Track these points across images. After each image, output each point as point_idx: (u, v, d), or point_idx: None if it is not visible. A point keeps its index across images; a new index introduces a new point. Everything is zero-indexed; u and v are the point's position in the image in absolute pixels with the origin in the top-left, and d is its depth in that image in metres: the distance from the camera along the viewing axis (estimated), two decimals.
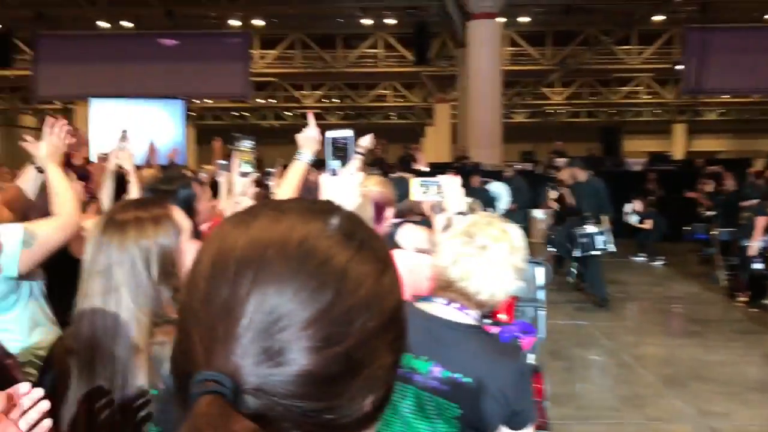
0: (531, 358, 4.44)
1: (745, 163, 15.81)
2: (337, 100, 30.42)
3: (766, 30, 18.07)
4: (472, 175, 11.25)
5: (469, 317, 1.75)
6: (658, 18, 19.10)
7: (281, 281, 0.55)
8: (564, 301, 8.65)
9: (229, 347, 0.54)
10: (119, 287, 1.50)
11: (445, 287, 1.75)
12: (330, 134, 1.74)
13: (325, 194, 1.67)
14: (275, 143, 31.50)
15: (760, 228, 8.16)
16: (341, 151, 1.71)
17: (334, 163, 1.70)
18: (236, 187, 2.68)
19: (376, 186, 2.67)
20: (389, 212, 2.70)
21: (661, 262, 11.30)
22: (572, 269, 9.25)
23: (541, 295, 4.81)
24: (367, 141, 4.13)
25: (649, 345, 6.88)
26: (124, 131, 3.76)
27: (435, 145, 26.05)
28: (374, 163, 13.20)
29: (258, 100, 29.21)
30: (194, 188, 2.65)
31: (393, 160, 15.26)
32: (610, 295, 8.49)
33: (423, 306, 1.79)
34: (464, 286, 1.71)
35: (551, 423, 4.45)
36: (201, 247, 0.62)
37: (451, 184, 2.51)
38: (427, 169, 13.67)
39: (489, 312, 4.46)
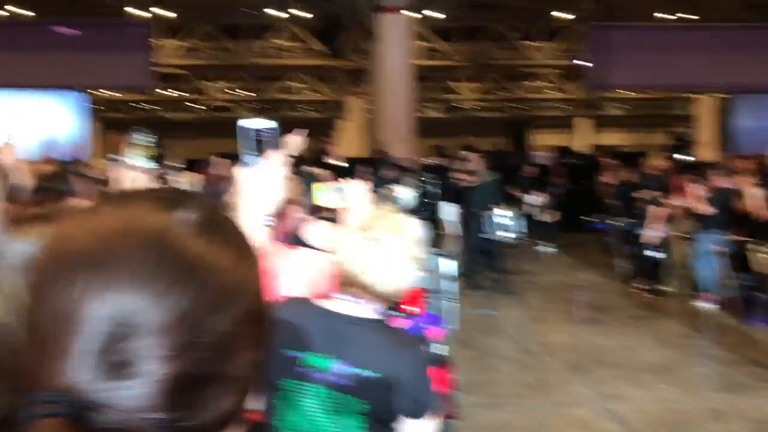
0: (440, 349, 4.50)
1: (642, 155, 16.59)
2: (245, 93, 29.86)
3: (663, 28, 19.02)
4: (385, 170, 11.30)
5: (371, 311, 1.76)
6: (562, 15, 19.74)
7: (124, 281, 0.49)
8: (473, 292, 8.83)
9: (68, 362, 0.47)
10: None
11: (346, 283, 1.75)
12: (248, 124, 1.64)
13: (243, 191, 1.60)
14: (184, 137, 30.74)
15: (653, 217, 8.57)
16: (263, 144, 1.63)
17: (252, 157, 1.61)
18: (127, 184, 2.56)
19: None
20: (294, 209, 2.63)
21: (554, 249, 11.86)
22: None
23: (451, 286, 4.89)
24: (297, 141, 3.94)
25: (553, 332, 7.10)
26: (9, 131, 3.53)
27: (348, 139, 26.04)
28: (314, 155, 13.06)
29: (169, 91, 28.31)
30: (77, 185, 2.51)
31: (305, 154, 15.17)
32: (517, 285, 8.71)
33: (325, 304, 1.79)
34: (365, 280, 1.72)
35: (461, 411, 4.53)
36: (43, 246, 0.54)
37: (356, 190, 2.49)
38: (341, 164, 13.68)
39: (395, 304, 4.49)
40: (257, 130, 1.60)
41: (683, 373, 5.82)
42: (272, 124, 1.62)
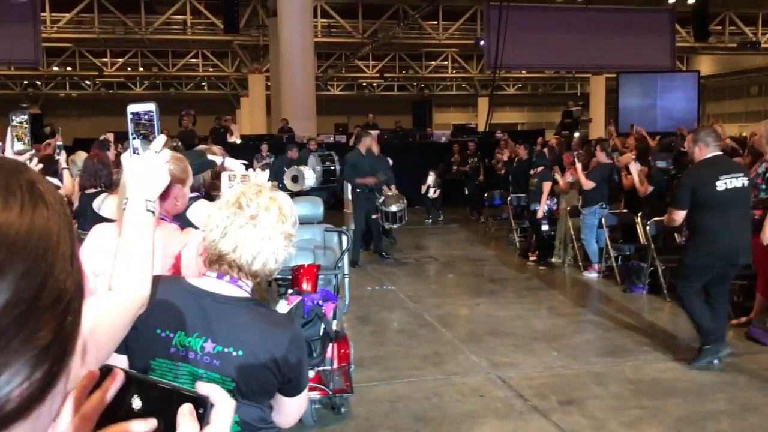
0: (334, 324, 4.54)
1: (540, 133, 17.19)
2: (142, 69, 28.71)
3: (554, 10, 19.67)
4: (289, 149, 11.26)
5: (241, 290, 1.74)
6: None
7: None
8: (371, 268, 8.94)
9: None
10: None
11: (216, 260, 1.72)
12: (131, 108, 1.59)
13: (127, 176, 1.54)
14: (73, 115, 29.31)
15: (546, 192, 8.93)
16: (144, 128, 1.57)
17: (136, 142, 1.56)
18: None
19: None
20: (178, 189, 2.55)
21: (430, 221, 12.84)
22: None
23: (345, 263, 4.92)
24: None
25: (450, 305, 7.30)
26: None
27: (250, 116, 25.57)
28: (184, 136, 12.70)
29: (53, 68, 26.82)
30: None
31: (205, 132, 14.79)
32: (417, 260, 8.87)
33: (198, 282, 1.76)
34: (236, 258, 1.69)
35: (356, 386, 4.60)
36: None
37: (259, 177, 2.46)
38: (238, 141, 13.38)
39: (291, 282, 4.46)
40: (139, 113, 1.56)
41: (570, 340, 6.12)
42: (152, 105, 1.57)
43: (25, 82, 29.59)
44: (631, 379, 5.14)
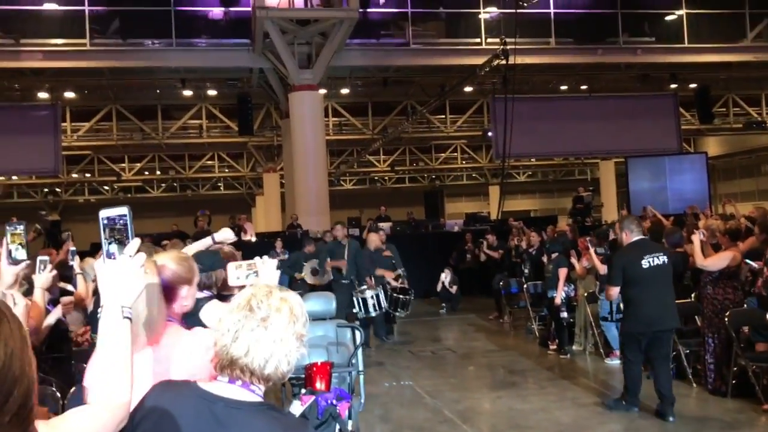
0: (349, 424, 4.42)
1: (553, 220, 17.23)
2: (159, 173, 29.41)
3: (557, 100, 20.15)
4: (306, 244, 11.37)
5: (253, 394, 1.70)
6: (467, 89, 20.62)
7: None
8: (388, 363, 8.78)
9: None
10: None
11: (228, 365, 1.68)
12: (103, 213, 1.60)
13: (102, 282, 1.54)
14: (92, 220, 29.81)
15: (562, 279, 8.84)
16: (119, 233, 1.57)
17: (110, 247, 1.56)
18: (4, 277, 2.39)
19: (171, 263, 2.46)
20: (185, 290, 2.53)
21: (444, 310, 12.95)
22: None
23: (358, 359, 4.84)
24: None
25: (470, 399, 7.10)
26: None
27: (265, 214, 25.91)
28: (199, 236, 12.86)
29: (73, 175, 27.57)
30: None
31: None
32: (434, 353, 8.71)
33: (207, 386, 1.72)
34: (248, 362, 1.65)
35: None
36: None
37: (266, 265, 2.47)
38: (253, 239, 13.50)
39: (304, 381, 4.37)
40: (112, 218, 1.56)
41: (596, 431, 5.90)
42: (125, 209, 1.58)
43: (46, 189, 30.34)
44: None
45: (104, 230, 1.56)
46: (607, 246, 8.72)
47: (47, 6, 15.17)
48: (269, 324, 1.66)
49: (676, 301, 6.37)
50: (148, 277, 2.30)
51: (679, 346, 7.10)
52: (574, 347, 8.96)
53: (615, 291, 6.09)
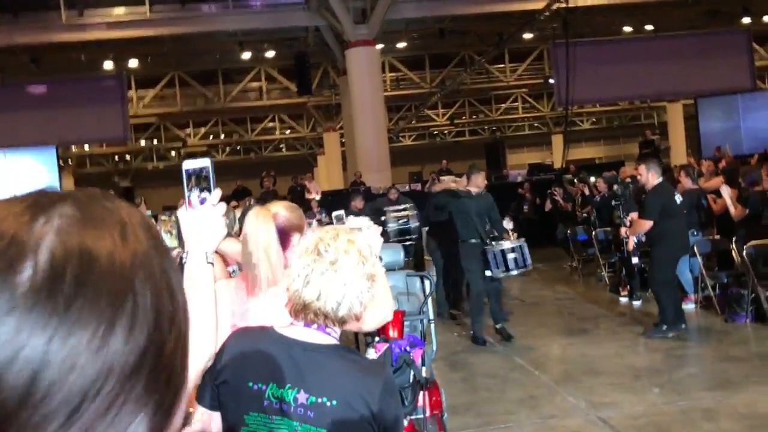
0: (423, 371, 4.49)
1: (618, 166, 16.79)
2: (223, 137, 29.97)
3: (622, 42, 19.41)
4: (354, 198, 11.26)
5: (330, 337, 1.72)
6: (526, 36, 20.09)
7: None
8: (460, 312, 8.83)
9: None
10: None
11: (301, 309, 1.70)
12: (186, 164, 1.65)
13: (185, 230, 1.59)
14: (162, 185, 30.71)
15: (631, 224, 8.63)
16: (204, 181, 1.62)
17: (194, 196, 1.61)
18: None
19: (283, 210, 2.49)
20: (297, 238, 2.57)
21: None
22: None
23: (428, 308, 4.89)
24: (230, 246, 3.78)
25: (542, 347, 7.10)
26: None
27: (327, 173, 26.14)
28: (265, 196, 13.09)
29: (141, 142, 28.36)
30: None
31: (284, 192, 15.21)
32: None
33: (284, 331, 1.75)
34: (321, 306, 1.66)
35: None
36: None
37: (373, 232, 2.25)
38: (318, 197, 13.63)
39: (376, 329, 4.47)
40: (192, 170, 1.60)
41: (673, 375, 5.83)
42: (206, 161, 1.62)
43: (116, 158, 31.34)
44: (743, 413, 4.83)
45: (188, 180, 1.60)
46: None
47: None
48: (338, 267, 1.66)
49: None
50: (263, 223, 2.34)
51: (758, 289, 6.91)
52: (646, 293, 8.80)
53: (649, 225, 6.84)
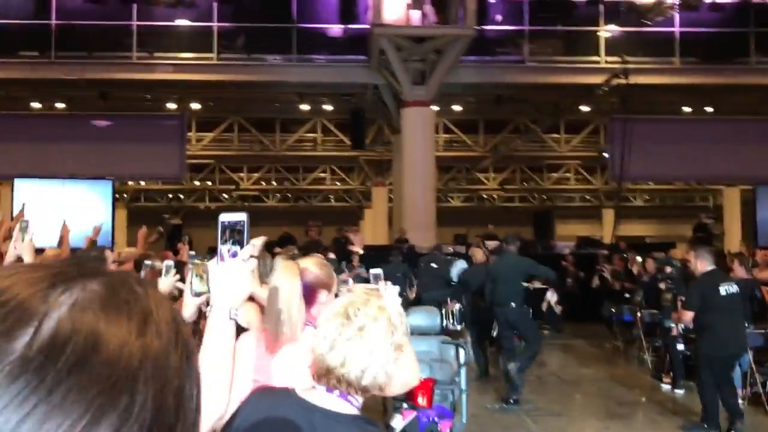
0: None
1: (669, 246, 16.40)
2: (275, 183, 30.48)
3: (681, 122, 19.21)
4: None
5: (351, 406, 1.68)
6: (584, 108, 20.07)
7: None
8: (491, 385, 8.60)
9: None
10: None
11: (324, 374, 1.66)
12: (223, 216, 1.66)
13: (213, 282, 1.59)
14: (211, 226, 31.26)
15: (679, 309, 8.36)
16: (236, 235, 1.62)
17: (226, 249, 1.61)
18: (186, 309, 2.30)
19: (312, 266, 2.49)
20: (324, 296, 2.55)
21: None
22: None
23: (461, 378, 4.77)
24: (258, 242, 4.02)
25: (575, 428, 6.84)
26: (26, 221, 3.53)
27: (373, 227, 26.22)
28: (309, 246, 13.17)
29: (195, 182, 29.04)
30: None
31: (328, 242, 15.29)
32: (539, 377, 8.47)
33: (305, 395, 1.71)
34: (344, 373, 1.62)
35: None
36: None
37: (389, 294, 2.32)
38: (361, 251, 13.67)
39: (405, 396, 4.37)
40: (228, 223, 1.60)
41: None
42: (242, 216, 1.62)
43: (170, 195, 32.12)
44: None
45: (222, 232, 1.61)
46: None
47: (179, 22, 16.12)
48: (365, 334, 1.62)
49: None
50: (288, 278, 2.33)
51: (756, 374, 6.63)
52: (690, 382, 8.44)
53: (690, 315, 6.55)
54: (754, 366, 7.32)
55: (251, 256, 1.61)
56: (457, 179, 28.71)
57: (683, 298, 8.29)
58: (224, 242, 1.60)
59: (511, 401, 7.39)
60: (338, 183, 30.36)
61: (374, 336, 1.63)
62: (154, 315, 0.47)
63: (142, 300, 0.48)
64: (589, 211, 33.76)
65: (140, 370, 0.44)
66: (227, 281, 1.55)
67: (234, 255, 1.59)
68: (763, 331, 7.63)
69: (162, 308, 0.49)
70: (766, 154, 17.70)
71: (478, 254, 10.22)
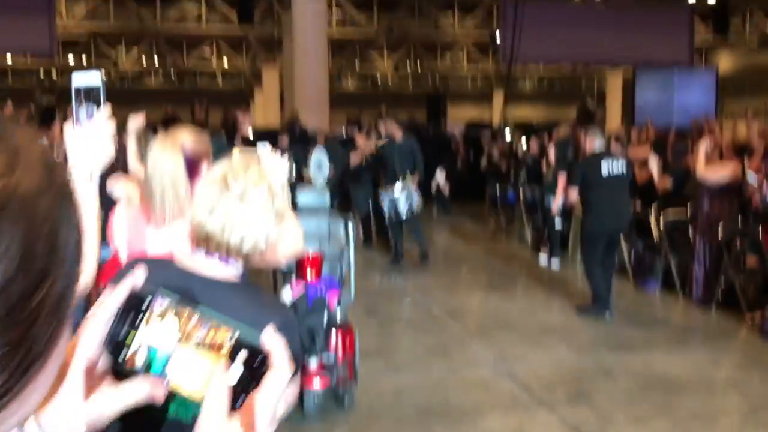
0: (340, 314, 4.48)
1: (553, 128, 17.01)
2: (156, 63, 28.80)
3: (574, 6, 19.47)
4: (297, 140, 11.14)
5: (231, 269, 1.64)
6: None
7: None
8: (378, 261, 8.86)
9: None
10: None
11: (204, 240, 1.60)
12: (77, 76, 1.51)
13: (70, 149, 1.47)
14: None
15: (561, 186, 8.77)
16: (91, 97, 1.49)
17: (82, 111, 1.48)
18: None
19: (190, 138, 2.41)
20: (205, 167, 2.47)
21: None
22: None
23: (350, 253, 4.86)
24: (137, 121, 3.94)
25: (458, 298, 7.22)
26: None
27: (264, 109, 25.55)
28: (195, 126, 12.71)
29: (69, 60, 26.96)
30: None
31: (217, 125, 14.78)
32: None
33: (186, 263, 1.65)
34: (225, 238, 1.58)
35: (360, 377, 4.53)
36: None
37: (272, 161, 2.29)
38: (249, 135, 13.34)
39: (295, 269, 4.39)
40: (83, 83, 1.48)
41: (579, 334, 6.03)
42: (97, 74, 1.49)
43: (41, 74, 29.83)
44: (641, 373, 5.04)
45: (77, 95, 1.49)
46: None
47: None
48: (245, 200, 1.57)
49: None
50: (170, 153, 2.25)
51: (669, 256, 7.16)
52: (565, 255, 9.01)
53: (574, 192, 6.61)
54: (621, 237, 7.87)
55: (109, 118, 1.50)
56: (349, 60, 28.18)
57: (563, 174, 8.71)
58: (79, 105, 1.48)
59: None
60: (226, 62, 29.07)
61: (254, 202, 1.57)
62: (24, 154, 0.42)
63: (10, 138, 0.42)
64: (479, 93, 34.30)
65: (3, 209, 0.39)
66: (86, 144, 1.44)
67: (91, 116, 1.47)
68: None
69: (34, 148, 0.43)
70: (647, 38, 18.38)
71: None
